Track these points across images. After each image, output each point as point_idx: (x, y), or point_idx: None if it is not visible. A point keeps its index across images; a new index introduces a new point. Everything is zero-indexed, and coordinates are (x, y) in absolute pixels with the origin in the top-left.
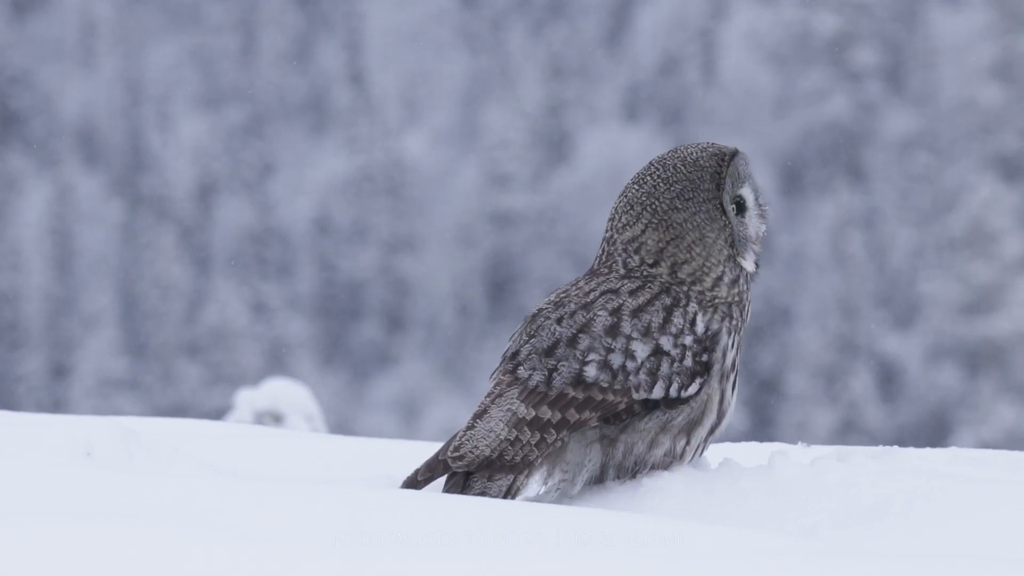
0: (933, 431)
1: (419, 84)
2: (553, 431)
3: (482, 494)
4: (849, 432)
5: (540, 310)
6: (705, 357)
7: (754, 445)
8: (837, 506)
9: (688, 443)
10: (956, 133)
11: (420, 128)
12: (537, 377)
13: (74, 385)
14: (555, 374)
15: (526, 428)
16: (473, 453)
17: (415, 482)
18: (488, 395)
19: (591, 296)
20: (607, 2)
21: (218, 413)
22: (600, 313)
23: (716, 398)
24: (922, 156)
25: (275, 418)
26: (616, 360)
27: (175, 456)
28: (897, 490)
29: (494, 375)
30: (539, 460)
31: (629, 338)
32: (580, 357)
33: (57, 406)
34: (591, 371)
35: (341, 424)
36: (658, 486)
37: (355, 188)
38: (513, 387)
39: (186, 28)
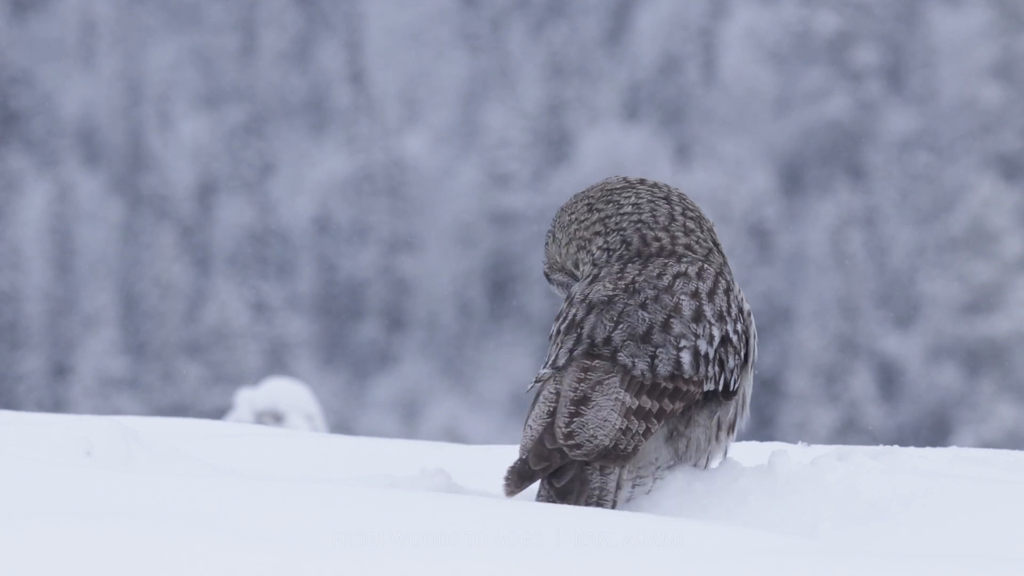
0: (933, 430)
1: (419, 84)
2: (655, 421)
3: (601, 489)
4: (849, 431)
5: (612, 296)
6: (745, 347)
7: (754, 444)
8: (837, 505)
9: (730, 438)
10: (956, 133)
11: (420, 128)
12: (641, 365)
13: (74, 385)
14: (656, 361)
15: (633, 418)
16: (591, 443)
17: (530, 473)
18: (579, 380)
19: (665, 280)
20: (607, 2)
21: (218, 413)
22: (683, 298)
23: (748, 391)
24: (922, 156)
25: (275, 418)
26: (702, 347)
27: (175, 456)
28: (897, 490)
29: (568, 359)
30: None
31: (710, 323)
32: (675, 343)
33: (57, 405)
34: (686, 358)
35: (341, 424)
36: (657, 486)
37: (355, 188)
38: (612, 375)
39: (186, 28)
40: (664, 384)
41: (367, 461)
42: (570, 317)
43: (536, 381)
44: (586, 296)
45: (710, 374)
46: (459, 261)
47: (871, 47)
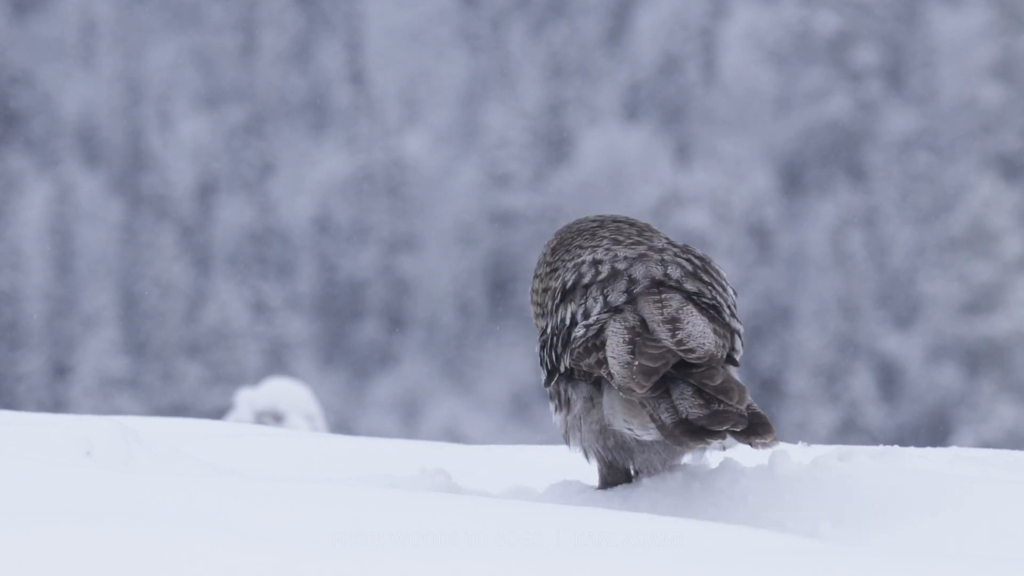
0: (933, 430)
1: (419, 84)
2: (724, 342)
3: (727, 382)
4: (849, 431)
5: (643, 253)
6: None
7: None
8: (837, 505)
9: None
10: (956, 133)
11: (420, 128)
12: (706, 292)
13: (74, 384)
14: (713, 294)
15: (718, 336)
16: (703, 347)
17: (653, 369)
18: (660, 307)
19: (678, 243)
20: (607, 2)
21: (218, 413)
22: (708, 262)
23: None
24: (922, 156)
25: (275, 418)
26: (730, 298)
27: (175, 456)
28: (897, 489)
29: (628, 299)
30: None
31: (730, 290)
32: (717, 286)
33: (57, 405)
34: (728, 301)
35: (341, 424)
36: (656, 485)
37: (355, 188)
38: (686, 303)
39: (186, 28)
40: (717, 317)
41: (367, 461)
42: (606, 272)
43: (588, 327)
44: (615, 256)
45: (735, 327)
46: (459, 261)
47: (871, 47)
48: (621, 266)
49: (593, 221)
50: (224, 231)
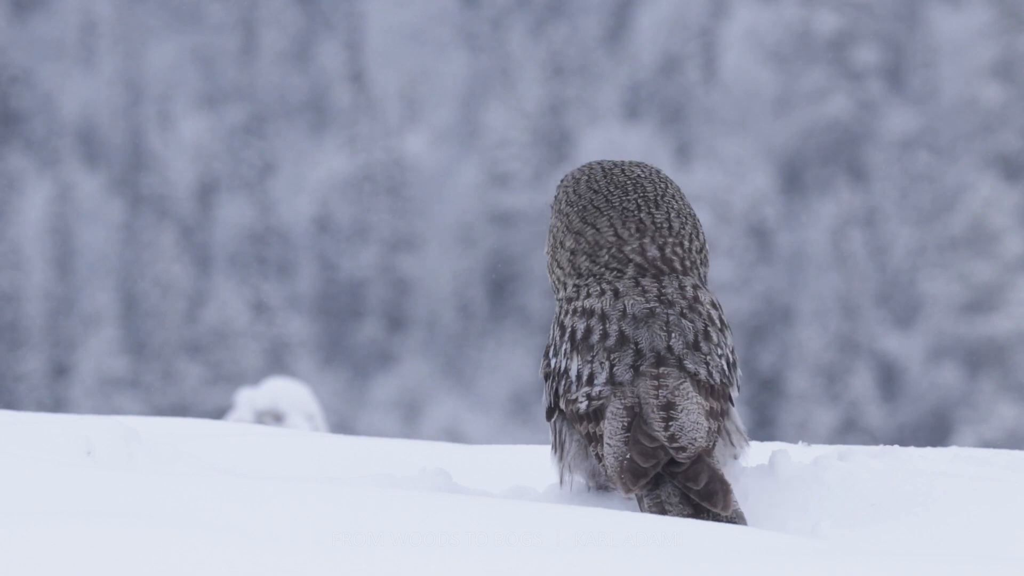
0: (934, 430)
1: (419, 84)
2: (720, 419)
3: (716, 478)
4: (850, 431)
5: (653, 308)
6: None
7: (754, 444)
8: (838, 505)
9: (745, 443)
10: (956, 132)
11: (420, 127)
12: (702, 371)
13: (74, 384)
14: (710, 368)
15: (711, 418)
16: (693, 445)
17: (643, 470)
18: (656, 387)
19: (688, 292)
20: (607, 1)
21: (218, 412)
22: (710, 309)
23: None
24: (923, 155)
25: (275, 417)
26: (730, 355)
27: (175, 456)
28: (898, 489)
29: (635, 375)
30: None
31: (729, 332)
32: (716, 350)
33: (58, 405)
34: (724, 364)
35: (341, 423)
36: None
37: (355, 187)
38: (683, 380)
39: (186, 28)
40: (717, 387)
41: (367, 461)
42: (614, 333)
43: (591, 399)
44: (624, 310)
45: (734, 380)
46: (459, 261)
47: (871, 47)
48: (628, 331)
49: (616, 185)
50: (224, 231)
